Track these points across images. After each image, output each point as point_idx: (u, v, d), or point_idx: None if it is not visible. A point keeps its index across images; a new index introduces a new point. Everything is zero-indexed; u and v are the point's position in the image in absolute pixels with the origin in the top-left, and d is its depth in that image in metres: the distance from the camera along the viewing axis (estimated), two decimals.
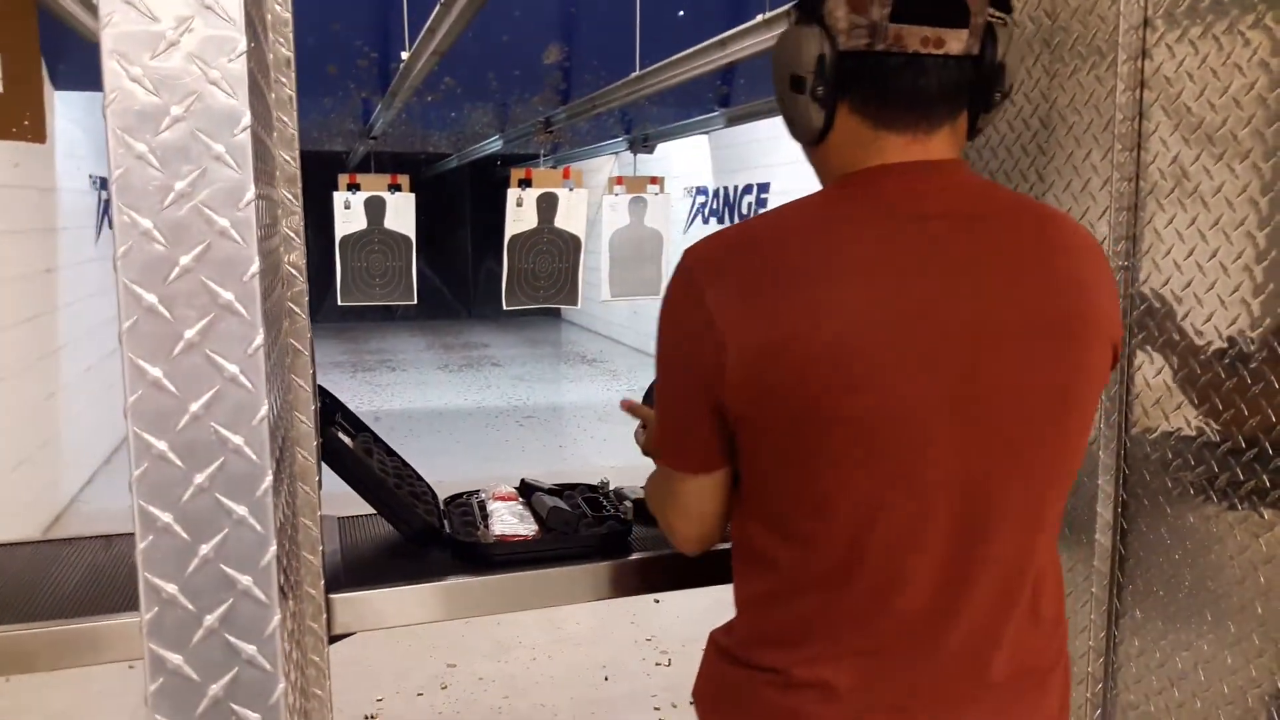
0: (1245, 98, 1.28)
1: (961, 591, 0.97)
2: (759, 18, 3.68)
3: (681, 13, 5.66)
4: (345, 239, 7.14)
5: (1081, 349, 0.97)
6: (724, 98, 6.73)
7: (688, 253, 1.00)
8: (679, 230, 9.33)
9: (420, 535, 1.30)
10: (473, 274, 14.87)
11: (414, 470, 1.49)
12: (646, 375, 6.53)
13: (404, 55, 4.45)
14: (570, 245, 7.06)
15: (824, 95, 0.97)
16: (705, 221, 9.33)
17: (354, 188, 7.05)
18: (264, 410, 0.61)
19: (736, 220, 8.81)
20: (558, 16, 5.62)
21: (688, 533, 1.09)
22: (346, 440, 1.34)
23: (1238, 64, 1.29)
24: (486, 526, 1.33)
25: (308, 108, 7.02)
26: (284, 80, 1.11)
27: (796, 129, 1.04)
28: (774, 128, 7.35)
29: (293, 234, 1.16)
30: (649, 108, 7.27)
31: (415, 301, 7.39)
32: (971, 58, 0.94)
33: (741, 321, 0.92)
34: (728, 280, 0.94)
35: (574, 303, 7.22)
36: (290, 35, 1.18)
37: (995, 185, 1.03)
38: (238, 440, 0.60)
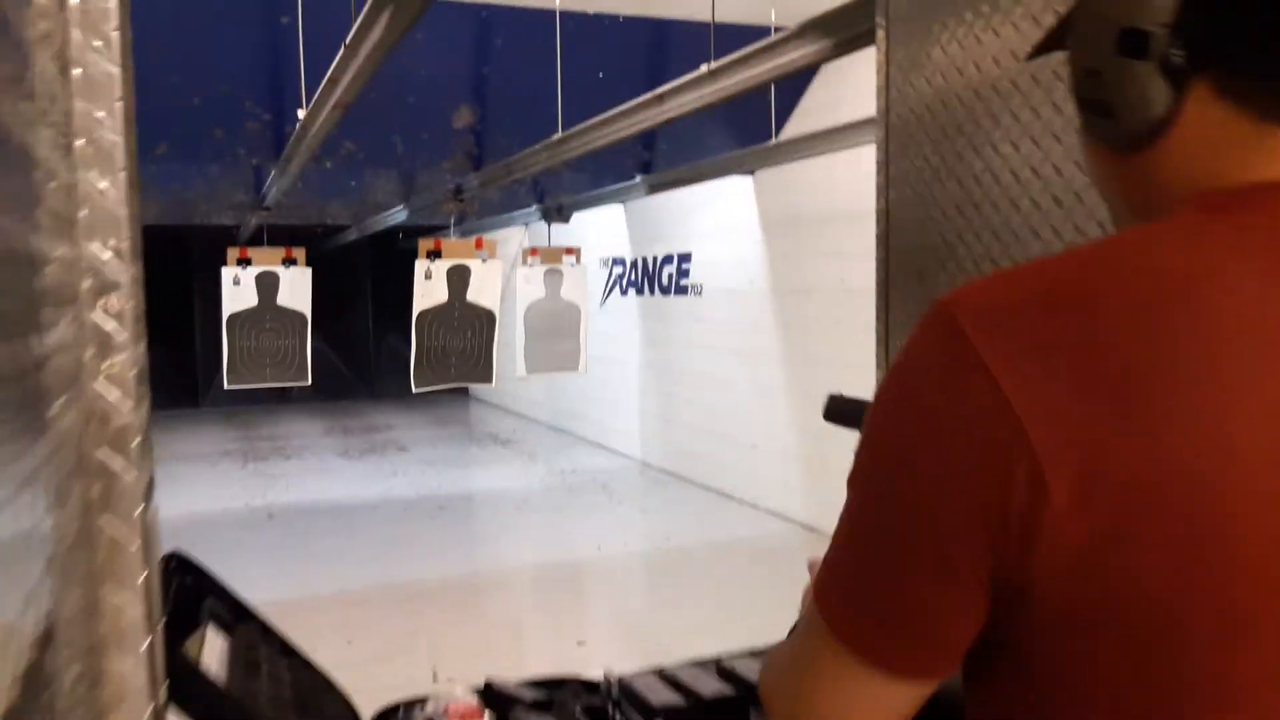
0: None
1: None
2: (704, 68, 3.33)
3: (601, 74, 5.33)
4: (233, 317, 6.54)
5: None
6: (645, 164, 6.40)
7: (947, 302, 0.58)
8: (596, 302, 8.93)
9: None
10: (374, 352, 14.15)
11: (321, 676, 0.99)
12: (564, 456, 6.02)
13: (300, 114, 3.97)
14: (484, 320, 6.57)
15: (1183, 65, 0.58)
16: (624, 293, 8.96)
17: (244, 262, 6.48)
18: None
19: (657, 292, 8.54)
20: (469, 76, 5.22)
21: None
22: (215, 649, 0.84)
23: None
24: None
25: (191, 175, 6.43)
26: (100, 115, 0.65)
27: (1117, 114, 0.63)
28: (693, 195, 7.08)
29: (115, 324, 0.67)
30: (565, 175, 6.91)
31: (309, 383, 6.79)
32: None
33: (1080, 431, 0.52)
34: (1042, 355, 0.54)
35: (489, 380, 6.72)
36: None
37: None
38: None
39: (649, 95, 3.70)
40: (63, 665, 0.55)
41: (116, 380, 0.68)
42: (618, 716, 0.98)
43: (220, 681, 0.79)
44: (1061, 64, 1.30)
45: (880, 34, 1.70)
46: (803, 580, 0.80)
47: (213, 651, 0.84)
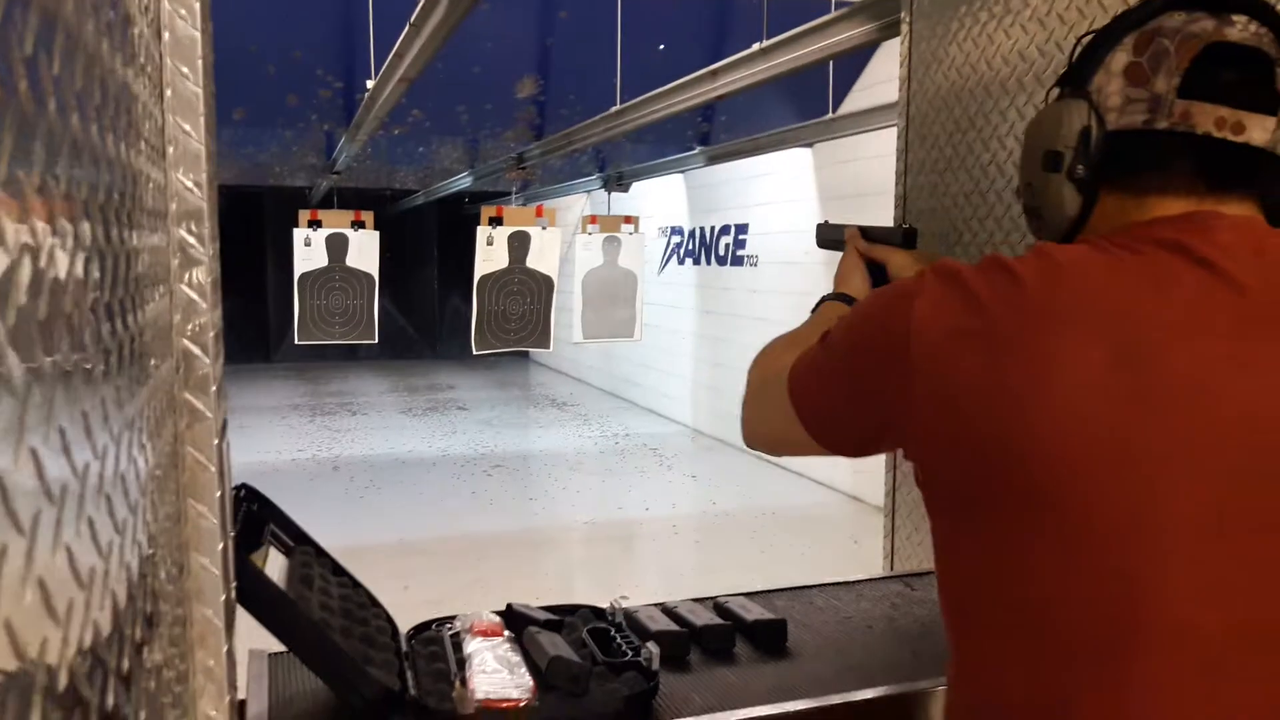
0: None
1: None
2: (755, 46, 3.42)
3: (662, 46, 5.41)
4: (304, 276, 6.79)
5: None
6: (704, 135, 6.48)
7: (937, 262, 0.86)
8: (653, 271, 9.06)
9: (374, 706, 0.96)
10: (439, 313, 14.48)
11: (366, 593, 1.16)
12: (618, 420, 6.19)
13: (369, 84, 4.14)
14: (542, 285, 6.75)
15: (1084, 176, 0.84)
16: (680, 262, 9.07)
17: (315, 224, 6.73)
18: None
19: (713, 262, 8.61)
20: (533, 48, 5.35)
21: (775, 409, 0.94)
22: (276, 565, 1.01)
23: None
24: (464, 682, 0.99)
25: (267, 140, 6.67)
26: (186, 72, 0.79)
27: (1044, 215, 0.89)
28: (753, 167, 7.14)
29: (196, 295, 0.83)
30: (625, 145, 7.01)
31: (376, 341, 7.05)
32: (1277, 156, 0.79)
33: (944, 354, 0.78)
34: (949, 298, 0.79)
35: (546, 345, 6.91)
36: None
37: None
38: None
39: (703, 71, 3.80)
40: (160, 560, 0.71)
41: (198, 340, 0.84)
42: (618, 638, 1.13)
43: (279, 587, 0.95)
44: (1063, 65, 1.40)
45: (904, 28, 1.79)
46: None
47: (273, 566, 1.01)
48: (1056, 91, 0.91)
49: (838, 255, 1.41)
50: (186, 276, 0.82)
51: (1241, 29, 0.79)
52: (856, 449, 0.89)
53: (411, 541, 5.42)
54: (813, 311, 1.32)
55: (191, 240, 0.82)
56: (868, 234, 1.40)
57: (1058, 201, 0.87)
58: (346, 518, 5.85)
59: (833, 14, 2.97)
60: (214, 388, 0.83)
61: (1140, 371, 0.71)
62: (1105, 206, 0.85)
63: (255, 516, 1.04)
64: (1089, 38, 0.89)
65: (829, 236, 1.49)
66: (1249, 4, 0.81)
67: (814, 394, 0.89)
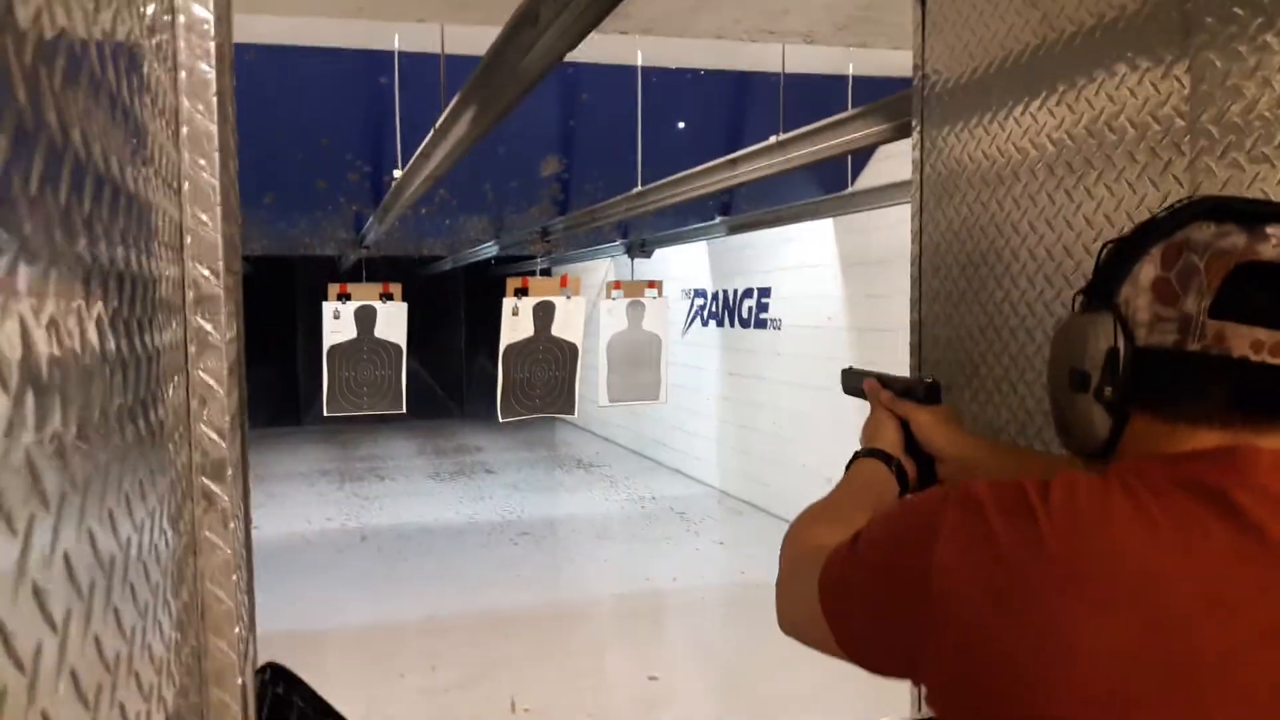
0: None
1: None
2: (772, 139, 3.48)
3: (682, 124, 5.51)
4: (334, 349, 6.90)
5: None
6: (725, 206, 6.56)
7: (963, 485, 0.82)
8: (677, 332, 9.11)
9: None
10: (466, 373, 14.60)
11: None
12: (644, 482, 6.20)
13: (396, 174, 4.25)
14: (567, 353, 6.82)
15: (1112, 398, 0.80)
16: (704, 324, 9.11)
17: (344, 297, 6.85)
18: None
19: (737, 324, 8.64)
20: (556, 128, 5.46)
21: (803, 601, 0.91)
22: None
23: None
24: None
25: (297, 218, 6.82)
26: (203, 164, 0.84)
27: (1073, 435, 0.85)
28: (774, 233, 7.20)
29: (213, 380, 0.85)
30: (647, 216, 7.11)
31: (404, 411, 7.12)
32: None
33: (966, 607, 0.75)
34: (973, 542, 0.76)
35: (570, 412, 6.96)
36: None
37: None
38: None
39: (722, 160, 3.87)
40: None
41: (215, 425, 0.87)
42: None
43: None
44: (1055, 159, 1.43)
45: (915, 122, 1.83)
46: None
47: None
48: (1081, 299, 0.87)
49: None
50: (203, 363, 0.85)
51: (1276, 245, 0.74)
52: (898, 674, 0.83)
53: (440, 617, 5.43)
54: (847, 468, 1.30)
55: (209, 328, 0.85)
56: (888, 384, 1.40)
57: (1086, 422, 0.84)
58: (375, 592, 5.87)
59: (849, 111, 3.02)
60: (230, 472, 0.86)
61: (1168, 645, 0.68)
62: (1136, 428, 0.81)
63: (281, 700, 1.07)
64: (1113, 245, 0.85)
65: (852, 384, 1.50)
66: None
67: (845, 614, 0.86)
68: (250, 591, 1.01)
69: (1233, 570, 0.69)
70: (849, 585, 0.86)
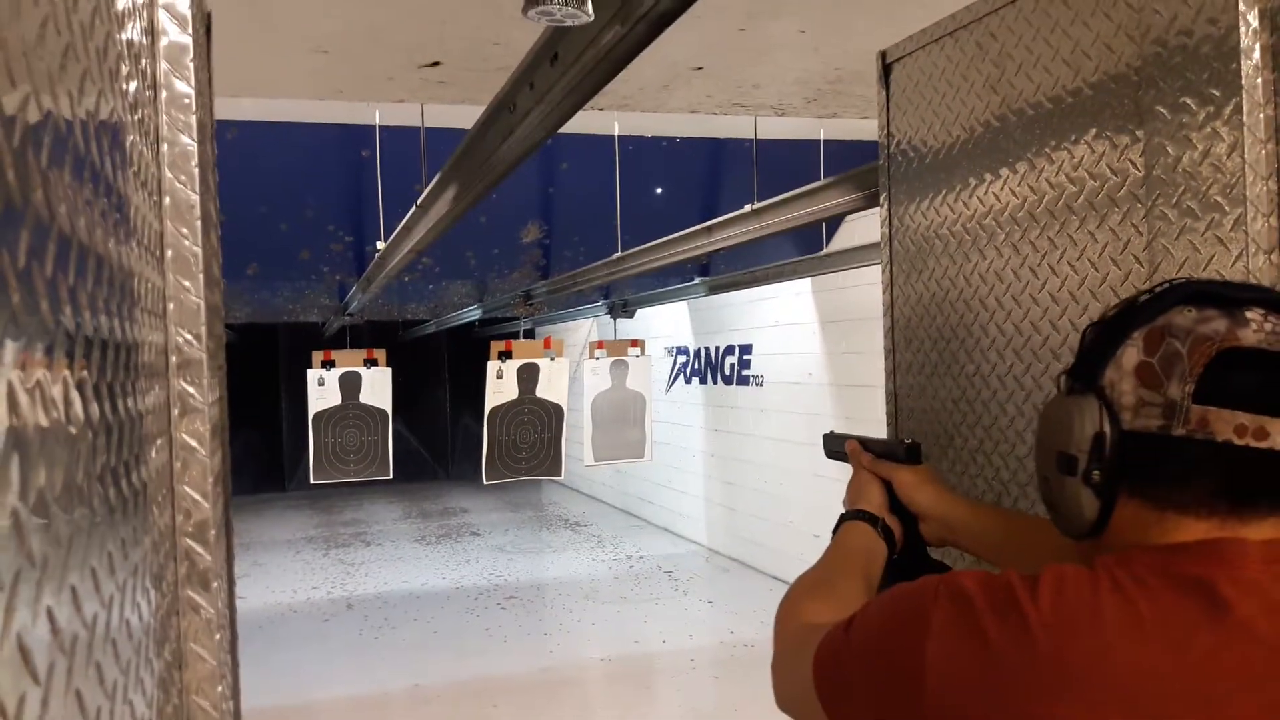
0: None
1: None
2: (747, 207, 3.55)
3: (659, 190, 5.60)
4: (319, 415, 6.87)
5: None
6: (704, 267, 6.65)
7: (950, 576, 0.83)
8: (661, 390, 9.14)
9: None
10: (450, 435, 14.55)
11: None
12: (631, 541, 6.19)
13: (380, 245, 4.30)
14: (552, 415, 6.83)
15: (1100, 482, 0.81)
16: (688, 381, 9.16)
17: (328, 364, 6.85)
18: None
19: (719, 381, 8.69)
20: (537, 196, 5.55)
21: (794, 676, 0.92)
22: None
23: None
24: None
25: (280, 287, 6.86)
26: (185, 233, 0.86)
27: (1062, 517, 0.86)
28: (754, 293, 7.28)
29: (196, 443, 0.86)
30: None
31: (390, 476, 7.09)
32: None
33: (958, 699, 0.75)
34: (965, 632, 0.77)
35: (557, 474, 6.94)
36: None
37: None
38: None
39: (700, 227, 3.94)
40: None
41: (198, 487, 0.88)
42: None
43: None
44: (1019, 236, 1.48)
45: (884, 198, 1.89)
46: None
47: None
48: (1065, 380, 0.88)
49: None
50: (186, 425, 0.86)
51: (1256, 330, 0.75)
52: None
53: (426, 687, 5.36)
54: (834, 531, 1.31)
55: (191, 391, 0.87)
56: (869, 446, 1.42)
57: (1075, 505, 0.84)
58: (361, 663, 5.79)
59: (821, 181, 3.10)
60: (213, 533, 0.87)
61: None
62: (1125, 514, 0.82)
63: None
64: (1096, 327, 0.86)
65: (834, 448, 1.52)
66: (1263, 298, 0.78)
67: (839, 699, 0.86)
68: (234, 651, 1.02)
69: (1222, 666, 0.70)
70: (843, 670, 0.86)
